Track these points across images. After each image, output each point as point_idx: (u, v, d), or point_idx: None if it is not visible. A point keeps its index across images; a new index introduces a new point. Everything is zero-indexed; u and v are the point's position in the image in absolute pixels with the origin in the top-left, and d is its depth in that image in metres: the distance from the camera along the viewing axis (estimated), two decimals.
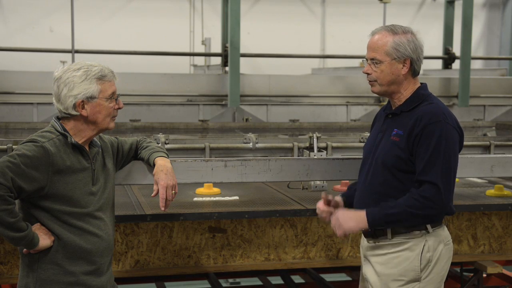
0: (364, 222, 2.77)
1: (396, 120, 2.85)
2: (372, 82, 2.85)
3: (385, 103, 3.04)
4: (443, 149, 2.69)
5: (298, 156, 4.68)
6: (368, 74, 2.84)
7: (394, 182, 2.79)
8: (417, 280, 2.80)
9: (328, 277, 5.22)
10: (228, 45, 7.55)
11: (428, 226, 2.79)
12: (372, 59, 2.81)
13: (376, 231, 2.86)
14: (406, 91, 2.84)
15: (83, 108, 2.64)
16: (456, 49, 8.90)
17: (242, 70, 7.71)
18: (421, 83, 2.88)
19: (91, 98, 2.64)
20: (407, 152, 2.75)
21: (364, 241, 2.97)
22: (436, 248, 2.80)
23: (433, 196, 2.68)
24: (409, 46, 2.77)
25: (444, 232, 2.86)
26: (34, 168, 2.51)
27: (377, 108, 7.69)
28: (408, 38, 2.78)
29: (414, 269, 2.79)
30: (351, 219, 2.80)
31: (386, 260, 2.85)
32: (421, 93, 2.84)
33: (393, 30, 2.79)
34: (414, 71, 2.82)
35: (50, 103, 2.75)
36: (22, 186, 2.49)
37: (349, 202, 3.01)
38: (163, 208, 2.83)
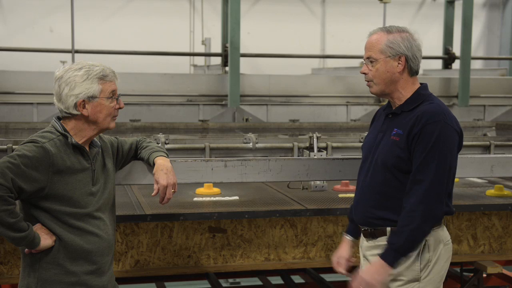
0: (386, 268, 2.73)
1: (396, 119, 2.85)
2: (369, 83, 2.87)
3: (384, 102, 3.05)
4: (439, 149, 2.69)
5: (298, 156, 4.68)
6: (365, 74, 2.86)
7: (395, 182, 2.79)
8: (416, 280, 2.80)
9: (328, 277, 5.22)
10: (228, 45, 7.54)
11: None
12: (368, 58, 2.84)
13: (375, 231, 2.87)
14: (406, 91, 2.84)
15: (84, 107, 2.64)
16: (456, 49, 8.89)
17: (242, 70, 7.70)
18: (421, 83, 2.89)
19: (92, 97, 2.64)
20: (407, 152, 2.75)
21: (363, 241, 2.97)
22: (435, 248, 2.80)
23: (423, 198, 2.68)
24: (403, 43, 2.79)
25: (443, 232, 2.86)
26: (34, 169, 2.51)
27: (377, 108, 7.68)
28: (402, 36, 2.80)
29: (414, 269, 2.79)
30: (375, 273, 2.75)
31: None
32: (422, 93, 2.85)
33: (388, 30, 2.83)
34: (411, 69, 2.83)
35: (50, 103, 2.76)
36: (22, 186, 2.49)
37: (355, 233, 3.05)
38: (162, 203, 2.85)
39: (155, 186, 2.85)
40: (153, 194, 2.87)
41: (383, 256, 2.74)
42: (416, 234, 2.71)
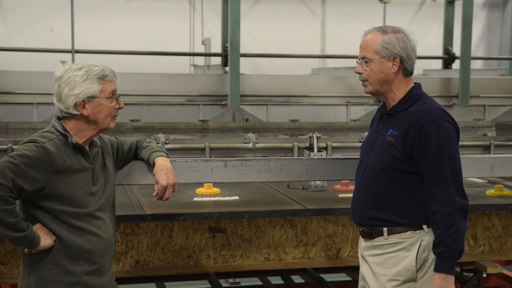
0: (447, 278, 2.71)
1: (391, 120, 2.86)
2: (364, 82, 2.87)
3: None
4: (445, 147, 2.70)
5: (298, 156, 4.68)
6: (359, 74, 2.86)
7: (391, 182, 2.80)
8: (413, 280, 2.80)
9: (328, 277, 5.22)
10: (228, 45, 7.54)
11: (424, 226, 2.80)
12: (362, 58, 2.84)
13: (373, 231, 2.87)
14: (399, 91, 2.85)
15: (84, 107, 2.64)
16: (456, 49, 8.89)
17: (242, 70, 7.70)
18: (415, 83, 2.89)
19: (92, 97, 2.64)
20: (405, 154, 2.75)
21: (361, 241, 2.98)
22: (432, 248, 2.80)
23: (451, 197, 2.68)
24: (399, 44, 2.79)
25: None
26: (34, 169, 2.51)
27: (377, 108, 7.66)
28: (398, 37, 2.80)
29: (410, 269, 2.79)
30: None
31: (382, 260, 2.86)
32: (415, 92, 2.85)
33: (383, 30, 2.83)
34: (405, 70, 2.83)
35: (50, 103, 2.76)
36: (22, 186, 2.49)
37: None
38: (160, 200, 2.87)
39: (156, 187, 2.85)
40: (154, 194, 2.88)
41: (439, 269, 2.71)
42: (458, 235, 2.69)
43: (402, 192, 2.78)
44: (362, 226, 2.92)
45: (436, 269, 2.72)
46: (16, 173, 2.47)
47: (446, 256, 2.69)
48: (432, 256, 2.80)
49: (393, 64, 2.80)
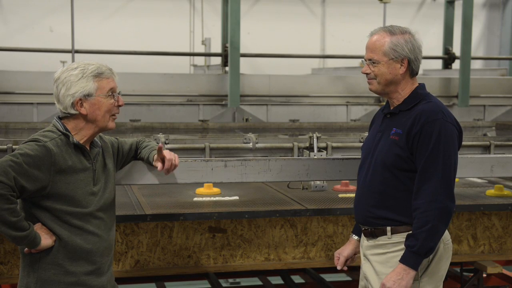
0: (408, 271, 2.72)
1: (394, 119, 2.86)
2: (370, 81, 2.87)
3: (384, 103, 3.06)
4: (442, 147, 2.70)
5: (298, 156, 4.68)
6: (367, 74, 2.86)
7: (394, 181, 2.80)
8: (415, 279, 2.80)
9: (328, 277, 5.22)
10: (228, 45, 7.54)
11: None
12: (370, 59, 2.83)
13: (376, 230, 2.87)
14: (404, 91, 2.86)
15: (81, 106, 2.65)
16: (456, 49, 8.89)
17: (242, 70, 7.69)
18: (419, 83, 2.90)
19: (88, 95, 2.65)
20: (407, 151, 2.76)
21: (364, 241, 2.98)
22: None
23: (435, 196, 2.68)
24: (407, 46, 2.79)
25: None
26: (36, 168, 2.52)
27: (377, 108, 7.67)
28: (405, 38, 2.79)
29: None
30: (399, 279, 2.72)
31: (385, 259, 2.86)
32: (419, 92, 2.86)
33: (391, 30, 2.81)
34: (412, 71, 2.84)
35: (50, 103, 2.76)
36: (24, 185, 2.49)
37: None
38: (166, 173, 2.91)
39: (159, 164, 2.87)
40: (159, 168, 2.89)
41: (403, 260, 2.73)
42: (433, 234, 2.70)
43: (405, 191, 2.78)
44: (365, 225, 2.92)
45: (401, 260, 2.74)
46: (18, 172, 2.48)
47: (413, 250, 2.71)
48: (435, 256, 2.81)
49: (401, 65, 2.80)
